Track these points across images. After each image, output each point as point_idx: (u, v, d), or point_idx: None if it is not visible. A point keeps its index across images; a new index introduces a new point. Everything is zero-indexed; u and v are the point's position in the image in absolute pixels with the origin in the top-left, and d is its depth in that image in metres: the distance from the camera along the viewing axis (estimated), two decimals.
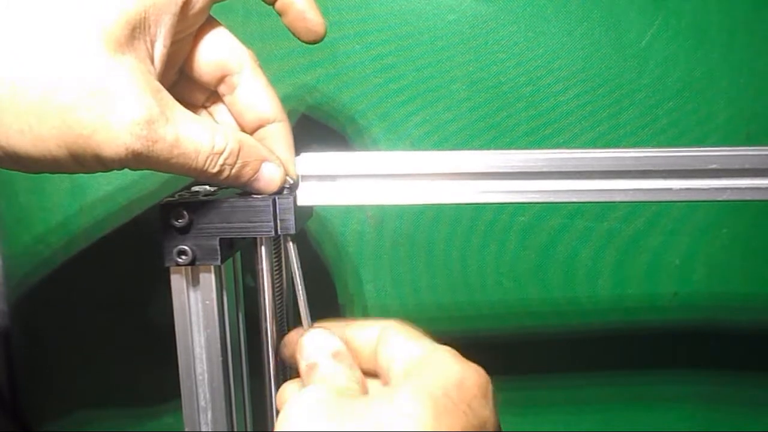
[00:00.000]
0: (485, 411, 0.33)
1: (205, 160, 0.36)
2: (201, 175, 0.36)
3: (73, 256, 0.59)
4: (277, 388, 0.42)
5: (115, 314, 0.59)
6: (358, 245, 0.58)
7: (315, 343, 0.38)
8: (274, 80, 0.55)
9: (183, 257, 0.39)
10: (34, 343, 0.61)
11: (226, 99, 0.40)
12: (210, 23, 0.39)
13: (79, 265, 0.59)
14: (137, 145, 0.33)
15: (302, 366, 0.38)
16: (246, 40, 0.55)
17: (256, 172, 0.38)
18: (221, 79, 0.40)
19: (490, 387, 0.35)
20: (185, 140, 0.35)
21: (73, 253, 0.59)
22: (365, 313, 0.59)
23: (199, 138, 0.35)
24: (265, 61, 0.55)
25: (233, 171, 0.37)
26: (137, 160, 0.33)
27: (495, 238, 0.58)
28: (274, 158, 0.39)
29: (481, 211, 0.57)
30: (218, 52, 0.39)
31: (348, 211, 0.58)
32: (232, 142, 0.37)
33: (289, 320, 0.45)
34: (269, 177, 0.39)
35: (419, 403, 0.31)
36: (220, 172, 0.37)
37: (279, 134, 0.40)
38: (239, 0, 0.55)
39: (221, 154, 0.36)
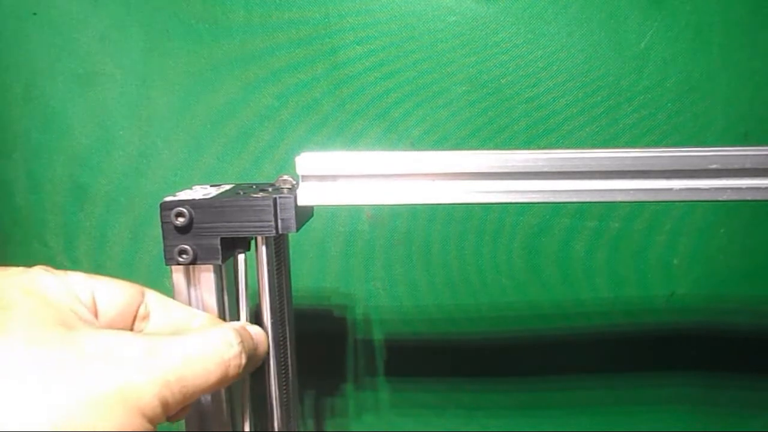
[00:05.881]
0: None
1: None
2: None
3: (73, 256, 0.59)
4: (279, 387, 0.42)
5: None
6: (359, 245, 0.58)
7: None
8: (275, 77, 0.56)
9: (184, 256, 0.39)
10: None
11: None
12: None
13: (80, 265, 0.59)
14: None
15: None
16: (247, 38, 0.56)
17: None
18: (134, 319, 0.37)
19: None
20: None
21: (73, 252, 0.59)
22: (365, 313, 0.60)
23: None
24: (266, 58, 0.56)
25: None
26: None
27: (495, 238, 0.58)
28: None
29: (481, 212, 0.58)
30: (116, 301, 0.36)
31: (348, 210, 0.58)
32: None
33: (289, 319, 0.45)
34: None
35: None
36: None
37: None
38: None
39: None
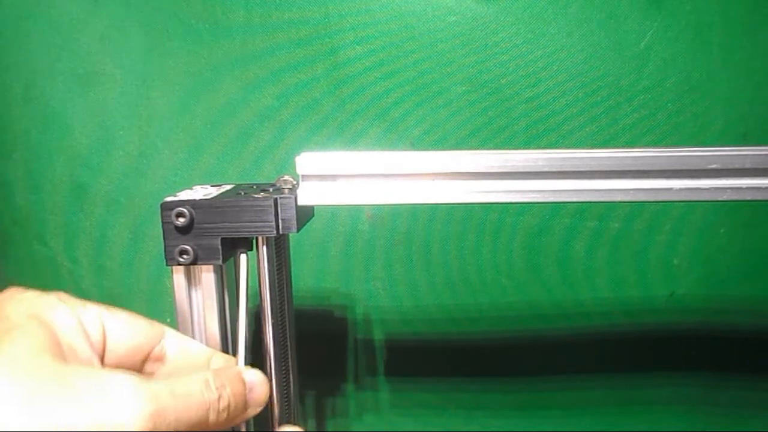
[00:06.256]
0: None
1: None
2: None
3: (73, 256, 0.59)
4: (278, 386, 0.42)
5: None
6: (359, 245, 0.58)
7: None
8: (275, 77, 0.56)
9: (184, 257, 0.39)
10: None
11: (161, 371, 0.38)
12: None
13: (80, 265, 0.59)
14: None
15: None
16: (247, 38, 0.56)
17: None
18: (145, 359, 0.37)
19: None
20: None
21: (73, 253, 0.59)
22: (365, 313, 0.60)
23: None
24: (266, 58, 0.56)
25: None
26: None
27: (495, 238, 0.58)
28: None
29: (481, 212, 0.58)
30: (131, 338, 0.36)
31: (349, 210, 0.58)
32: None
33: (289, 319, 0.45)
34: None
35: None
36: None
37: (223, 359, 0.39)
38: None
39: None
